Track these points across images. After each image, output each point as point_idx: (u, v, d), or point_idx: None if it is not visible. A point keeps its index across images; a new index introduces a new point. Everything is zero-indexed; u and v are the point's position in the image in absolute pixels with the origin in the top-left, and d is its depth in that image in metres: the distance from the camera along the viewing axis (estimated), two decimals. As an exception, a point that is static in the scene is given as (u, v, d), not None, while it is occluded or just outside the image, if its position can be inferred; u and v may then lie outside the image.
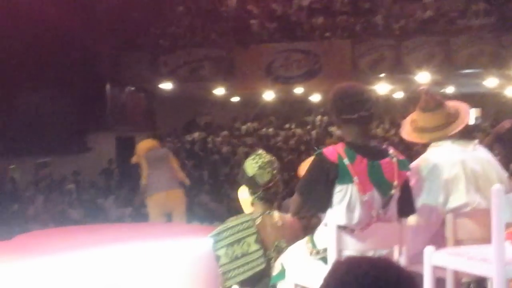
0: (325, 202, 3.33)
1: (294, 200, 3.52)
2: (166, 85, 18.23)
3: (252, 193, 4.04)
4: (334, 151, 3.34)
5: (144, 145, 9.45)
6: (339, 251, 3.32)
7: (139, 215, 11.46)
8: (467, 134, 3.93)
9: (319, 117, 21.02)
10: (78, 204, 12.88)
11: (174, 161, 9.38)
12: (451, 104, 3.85)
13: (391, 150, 3.44)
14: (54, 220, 11.52)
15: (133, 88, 19.16)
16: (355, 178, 3.27)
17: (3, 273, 3.83)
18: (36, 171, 14.71)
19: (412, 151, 8.89)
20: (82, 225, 9.41)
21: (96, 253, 4.20)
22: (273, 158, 4.12)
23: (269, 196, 4.03)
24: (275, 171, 4.03)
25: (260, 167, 3.99)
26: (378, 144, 3.53)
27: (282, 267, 3.57)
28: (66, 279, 3.97)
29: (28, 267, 3.97)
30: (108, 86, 17.73)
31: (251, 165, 4.01)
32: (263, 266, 3.83)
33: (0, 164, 13.26)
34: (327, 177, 3.29)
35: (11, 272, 3.86)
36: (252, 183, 4.01)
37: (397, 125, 16.96)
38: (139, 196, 10.03)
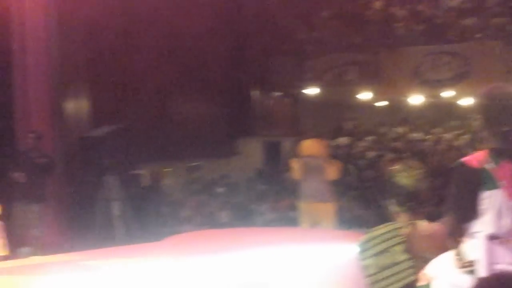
0: (474, 212, 3.24)
1: (447, 221, 3.45)
2: (312, 90, 18.35)
3: (400, 203, 4.01)
4: (475, 158, 3.25)
5: (306, 148, 9.33)
6: (491, 264, 3.18)
7: (287, 219, 11.60)
8: None
9: (469, 122, 20.33)
10: (227, 207, 13.23)
11: (333, 170, 9.22)
12: None
13: None
14: (204, 223, 11.92)
15: (279, 94, 19.45)
16: (502, 183, 3.17)
17: (154, 273, 4.05)
18: (187, 174, 15.26)
19: None
20: (231, 228, 9.67)
21: (244, 256, 4.35)
22: (421, 166, 4.07)
23: (417, 205, 3.98)
24: (423, 180, 3.97)
25: (408, 178, 3.95)
26: None
27: (428, 279, 3.51)
28: (213, 279, 4.13)
29: (178, 268, 4.18)
30: (255, 92, 18.11)
31: (401, 177, 3.98)
32: (413, 277, 3.77)
33: (154, 168, 13.88)
34: (471, 185, 3.21)
35: (162, 273, 4.08)
36: (401, 194, 3.98)
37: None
38: (287, 200, 10.13)
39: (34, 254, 8.31)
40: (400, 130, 20.61)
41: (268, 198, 13.72)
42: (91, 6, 11.15)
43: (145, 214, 11.49)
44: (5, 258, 7.53)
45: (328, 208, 9.05)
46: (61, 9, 10.81)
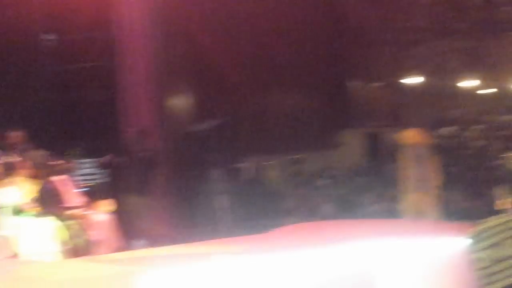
0: None
1: None
2: (413, 79, 18.06)
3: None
4: None
5: (409, 138, 9.39)
6: None
7: (391, 211, 11.50)
8: None
9: None
10: (330, 199, 13.23)
11: (433, 161, 9.20)
12: None
13: None
14: (307, 215, 11.98)
15: (380, 84, 19.24)
16: None
17: (263, 265, 4.13)
18: (290, 167, 15.36)
19: None
20: (335, 219, 9.71)
21: (349, 248, 4.36)
22: None
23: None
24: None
25: None
26: None
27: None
28: (320, 271, 4.17)
29: (286, 259, 4.24)
30: (355, 82, 18.00)
31: None
32: (527, 271, 3.67)
33: (258, 161, 14.06)
34: None
35: (269, 264, 4.15)
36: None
37: None
38: (390, 191, 10.08)
39: (147, 246, 8.59)
40: (507, 118, 20.03)
41: (371, 189, 13.63)
42: (192, 3, 11.40)
43: (249, 207, 11.66)
44: (120, 249, 7.84)
45: (431, 198, 8.98)
46: (164, 6, 11.09)
